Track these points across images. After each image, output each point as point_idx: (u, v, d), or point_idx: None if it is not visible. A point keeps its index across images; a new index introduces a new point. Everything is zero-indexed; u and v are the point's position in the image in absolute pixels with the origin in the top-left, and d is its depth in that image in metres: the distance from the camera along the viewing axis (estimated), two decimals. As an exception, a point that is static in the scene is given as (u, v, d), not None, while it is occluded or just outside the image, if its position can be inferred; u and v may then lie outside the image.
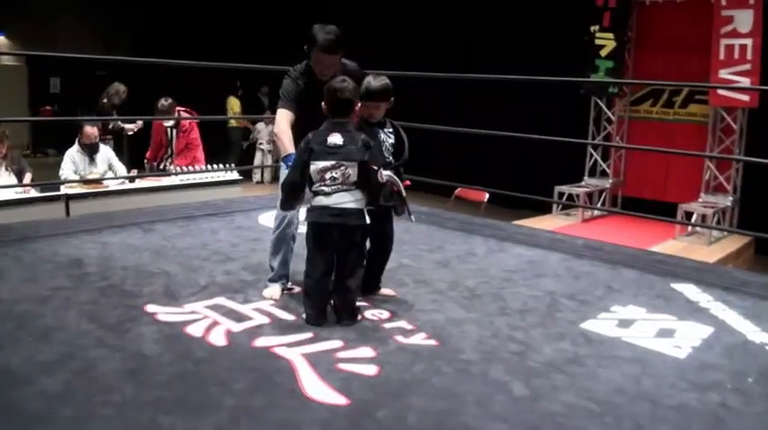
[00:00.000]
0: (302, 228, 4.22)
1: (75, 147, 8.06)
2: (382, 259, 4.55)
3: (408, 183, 4.31)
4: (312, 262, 4.03)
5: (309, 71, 4.40)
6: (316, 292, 4.00)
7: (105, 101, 10.02)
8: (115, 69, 18.11)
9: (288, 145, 4.26)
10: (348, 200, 3.90)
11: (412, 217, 4.38)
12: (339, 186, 3.89)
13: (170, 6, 16.43)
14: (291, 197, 4.08)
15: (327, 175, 3.89)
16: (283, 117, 4.37)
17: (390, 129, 4.37)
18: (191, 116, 8.91)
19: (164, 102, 8.72)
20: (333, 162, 3.88)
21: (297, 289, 4.43)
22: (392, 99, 4.28)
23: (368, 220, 3.97)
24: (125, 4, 17.51)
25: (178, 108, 8.81)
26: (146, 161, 9.10)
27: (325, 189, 3.90)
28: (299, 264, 4.36)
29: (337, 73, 4.30)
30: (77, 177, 7.81)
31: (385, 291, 4.58)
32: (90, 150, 8.05)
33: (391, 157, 4.31)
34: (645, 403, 3.17)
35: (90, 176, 7.84)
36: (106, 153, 8.23)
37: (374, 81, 4.25)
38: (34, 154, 16.37)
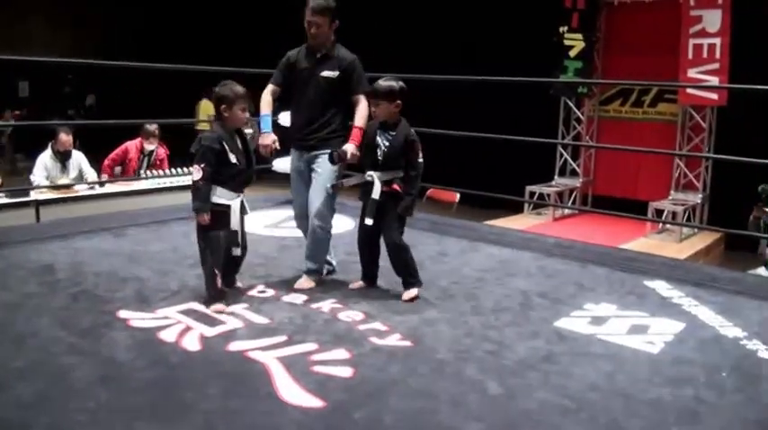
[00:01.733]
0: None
1: (48, 152, 7.96)
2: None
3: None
4: None
5: (307, 46, 4.78)
6: None
7: None
8: (84, 73, 18.11)
9: (263, 107, 4.78)
10: None
11: (367, 220, 4.56)
12: None
13: (145, 10, 16.36)
14: None
15: None
16: (267, 87, 4.86)
17: (392, 133, 4.52)
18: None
19: (149, 126, 8.72)
20: None
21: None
22: (398, 102, 4.47)
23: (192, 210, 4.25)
24: (94, 8, 17.44)
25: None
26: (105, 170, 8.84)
27: None
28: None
29: (329, 47, 4.71)
30: (48, 183, 7.74)
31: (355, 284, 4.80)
32: (62, 157, 7.96)
33: (381, 159, 4.53)
34: (619, 398, 3.20)
35: (60, 182, 7.76)
36: (78, 159, 8.14)
37: (381, 81, 4.52)
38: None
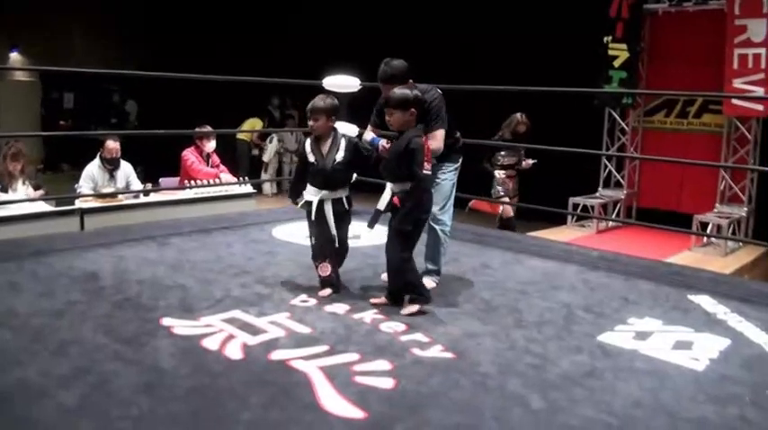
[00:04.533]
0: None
1: (96, 162, 7.95)
2: None
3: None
4: None
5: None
6: None
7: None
8: (128, 84, 18.34)
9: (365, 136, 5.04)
10: None
11: (367, 228, 4.74)
12: None
13: (185, 25, 16.48)
14: None
15: None
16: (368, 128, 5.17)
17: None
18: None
19: (201, 128, 8.69)
20: None
21: None
22: (412, 110, 4.33)
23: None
24: (136, 21, 17.67)
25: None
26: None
27: None
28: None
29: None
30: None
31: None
32: (111, 165, 7.96)
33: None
34: (663, 416, 3.15)
35: (105, 190, 7.78)
36: (126, 171, 8.13)
37: (396, 89, 4.46)
38: (48, 169, 16.39)
